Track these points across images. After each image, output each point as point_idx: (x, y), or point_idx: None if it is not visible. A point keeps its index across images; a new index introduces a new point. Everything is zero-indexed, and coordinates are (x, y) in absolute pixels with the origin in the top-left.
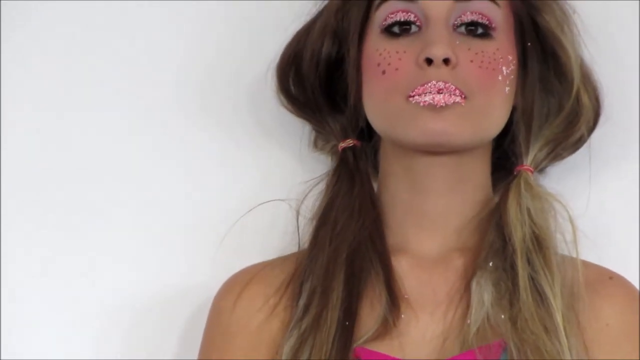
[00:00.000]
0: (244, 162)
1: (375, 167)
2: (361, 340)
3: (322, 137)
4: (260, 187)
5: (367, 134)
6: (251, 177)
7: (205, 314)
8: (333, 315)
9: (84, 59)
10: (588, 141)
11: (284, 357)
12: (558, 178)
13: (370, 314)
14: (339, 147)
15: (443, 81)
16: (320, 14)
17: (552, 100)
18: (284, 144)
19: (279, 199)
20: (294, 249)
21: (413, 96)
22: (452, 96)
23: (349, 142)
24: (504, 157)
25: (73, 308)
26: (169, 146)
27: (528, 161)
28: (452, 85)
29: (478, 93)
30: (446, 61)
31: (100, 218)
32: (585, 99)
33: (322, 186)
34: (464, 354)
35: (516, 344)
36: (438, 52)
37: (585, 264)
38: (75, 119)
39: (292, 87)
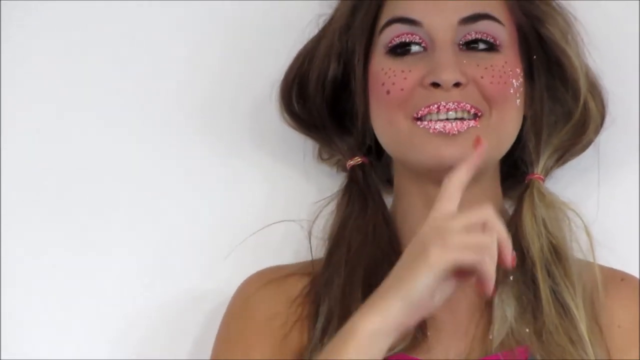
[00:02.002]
0: (248, 170)
1: (389, 181)
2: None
3: (326, 150)
4: (267, 197)
5: (376, 150)
6: (257, 186)
7: (215, 324)
8: None
9: (84, 59)
10: (597, 148)
11: None
12: (567, 183)
13: None
14: (348, 164)
15: (455, 101)
16: (322, 34)
17: (559, 109)
18: (289, 154)
19: (290, 220)
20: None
21: (419, 119)
22: (465, 121)
23: (358, 160)
24: (513, 166)
25: (73, 308)
26: (169, 146)
27: (539, 169)
28: (467, 104)
29: (493, 109)
30: (457, 84)
31: (100, 218)
32: (592, 106)
33: (332, 206)
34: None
35: (543, 356)
36: (448, 77)
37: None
38: (75, 119)
39: (296, 108)
